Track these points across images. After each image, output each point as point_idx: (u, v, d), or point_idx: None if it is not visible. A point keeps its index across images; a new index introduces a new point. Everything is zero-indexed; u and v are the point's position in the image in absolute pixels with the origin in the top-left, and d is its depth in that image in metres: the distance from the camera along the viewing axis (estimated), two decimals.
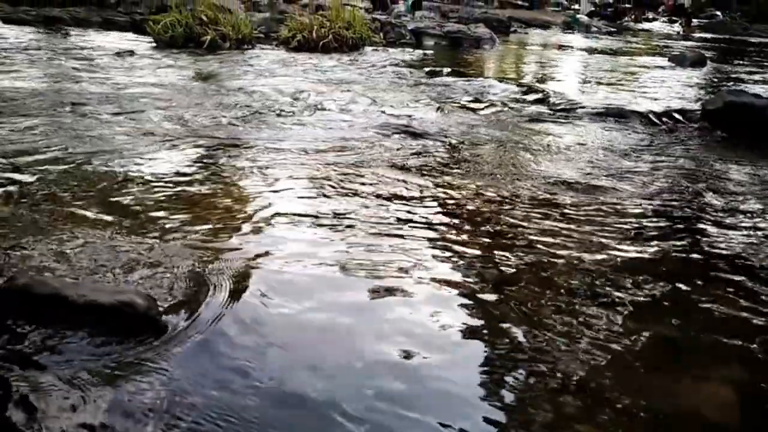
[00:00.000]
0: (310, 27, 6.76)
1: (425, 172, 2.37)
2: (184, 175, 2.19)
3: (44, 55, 4.92)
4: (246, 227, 1.72)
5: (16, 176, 2.02)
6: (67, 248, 1.47)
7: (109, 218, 1.71)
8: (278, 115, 3.28)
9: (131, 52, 5.43)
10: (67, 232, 1.58)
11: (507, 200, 2.07)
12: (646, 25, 16.92)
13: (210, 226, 1.71)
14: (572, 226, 1.82)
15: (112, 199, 1.89)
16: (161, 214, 1.79)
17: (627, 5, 19.48)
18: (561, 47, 9.32)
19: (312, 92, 3.97)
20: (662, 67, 6.62)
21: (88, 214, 1.74)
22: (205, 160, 2.39)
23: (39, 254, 1.44)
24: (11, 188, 1.91)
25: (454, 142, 2.87)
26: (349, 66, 5.54)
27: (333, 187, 2.12)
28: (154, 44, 6.12)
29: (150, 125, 2.91)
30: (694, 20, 16.97)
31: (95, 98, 3.43)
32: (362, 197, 2.02)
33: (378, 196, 2.04)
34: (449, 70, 5.39)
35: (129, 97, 3.52)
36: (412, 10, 12.18)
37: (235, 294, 1.30)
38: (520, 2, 22.62)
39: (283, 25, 7.25)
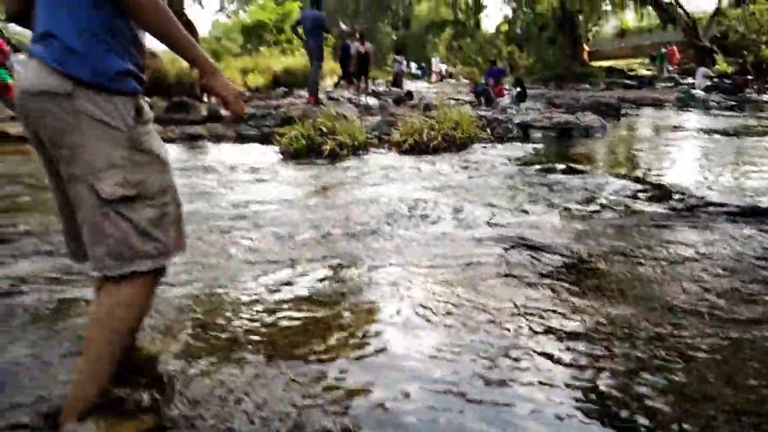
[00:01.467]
0: (420, 130, 7.11)
1: (544, 292, 2.34)
2: (303, 298, 2.33)
3: (182, 171, 5.60)
4: (369, 352, 1.79)
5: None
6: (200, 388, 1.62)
7: (229, 344, 1.86)
8: (392, 227, 3.43)
9: (259, 166, 6.02)
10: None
11: (639, 331, 1.98)
12: None
13: (332, 354, 1.79)
14: (726, 374, 1.70)
15: (233, 324, 2.06)
16: (282, 339, 1.91)
17: (748, 76, 18.43)
18: (678, 129, 8.96)
19: (424, 200, 4.12)
20: None
21: (215, 341, 1.91)
22: (323, 281, 2.53)
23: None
24: None
25: (573, 254, 2.82)
26: (459, 167, 5.71)
27: (449, 309, 2.16)
28: (280, 156, 6.74)
29: (268, 243, 3.15)
30: None
31: (222, 215, 3.80)
32: (479, 320, 2.04)
33: (494, 321, 2.04)
34: (562, 166, 5.38)
35: (252, 214, 3.85)
36: (517, 101, 12.41)
37: None
38: (627, 81, 22.26)
39: (395, 129, 7.71)
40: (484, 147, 7.22)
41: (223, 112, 1.48)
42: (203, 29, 37.56)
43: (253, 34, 29.19)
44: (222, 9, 55.73)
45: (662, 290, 2.35)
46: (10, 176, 5.42)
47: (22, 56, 13.55)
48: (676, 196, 4.06)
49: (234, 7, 55.96)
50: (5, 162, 6.53)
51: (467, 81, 26.92)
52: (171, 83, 14.27)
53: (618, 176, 4.82)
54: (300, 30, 9.60)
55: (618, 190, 4.28)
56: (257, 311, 2.22)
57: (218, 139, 8.46)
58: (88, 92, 1.26)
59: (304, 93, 13.62)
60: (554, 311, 2.15)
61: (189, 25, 15.80)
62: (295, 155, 6.60)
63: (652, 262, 2.69)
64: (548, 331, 1.99)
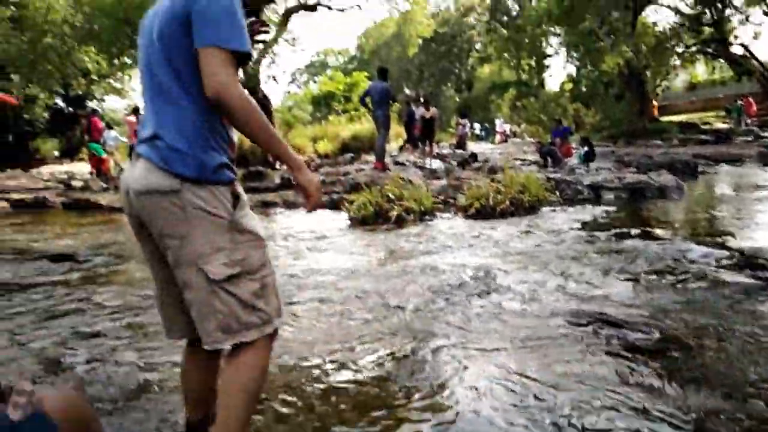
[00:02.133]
0: (486, 194, 7.12)
1: (623, 373, 2.23)
2: (363, 376, 2.33)
3: None
4: None
5: None
6: None
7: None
8: (459, 299, 3.39)
9: (328, 233, 6.19)
10: None
11: (734, 424, 1.84)
12: None
13: None
14: None
15: (291, 401, 2.08)
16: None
17: None
18: (761, 188, 8.47)
19: (491, 268, 4.06)
20: None
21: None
22: (385, 359, 2.52)
23: None
24: None
25: (653, 331, 2.67)
26: (528, 233, 5.64)
27: (521, 391, 2.09)
28: (349, 222, 6.91)
29: (333, 317, 3.19)
30: None
31: (288, 285, 3.90)
32: (556, 403, 1.95)
33: (573, 408, 1.95)
34: (637, 231, 5.19)
35: (318, 284, 3.93)
36: (585, 161, 12.21)
37: None
38: (702, 136, 21.47)
39: (460, 193, 7.76)
40: (553, 210, 7.11)
41: (303, 199, 1.57)
42: (276, 100, 39.90)
43: (323, 104, 30.69)
44: (293, 81, 59.30)
45: (754, 373, 2.18)
46: (96, 246, 5.84)
47: (113, 133, 14.90)
48: (765, 264, 3.81)
49: (304, 79, 59.40)
50: (92, 232, 7.07)
51: (532, 140, 26.85)
52: (246, 152, 15.15)
53: (699, 242, 4.58)
54: (368, 101, 10.01)
55: (700, 258, 4.07)
56: (318, 388, 2.24)
57: (290, 206, 8.82)
58: (193, 187, 1.40)
59: (371, 158, 14.04)
60: (635, 395, 2.04)
61: (264, 100, 16.88)
62: (363, 221, 6.75)
63: (741, 341, 2.51)
64: (628, 415, 1.88)
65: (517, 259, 4.45)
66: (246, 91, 1.40)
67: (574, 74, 32.80)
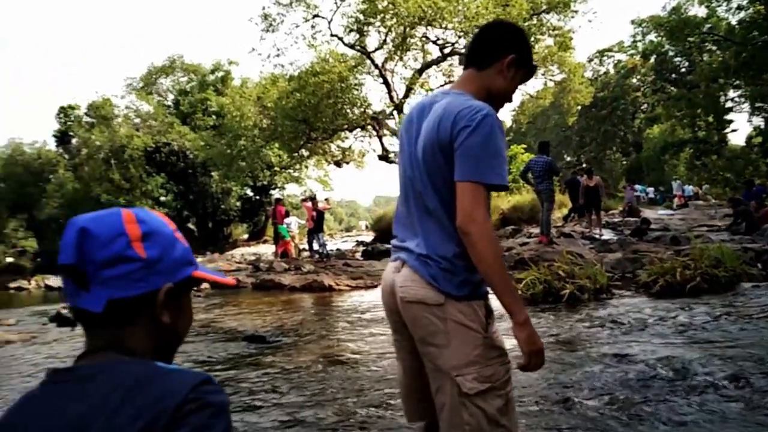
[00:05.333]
0: (671, 268, 6.47)
1: None
2: None
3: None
4: None
5: None
6: None
7: None
8: (654, 402, 3.04)
9: (495, 314, 6.05)
10: None
11: None
12: None
13: None
14: None
15: None
16: None
17: None
18: None
19: (688, 361, 3.61)
20: None
21: None
22: None
23: None
24: None
25: None
26: (726, 315, 4.96)
27: None
28: None
29: (524, 419, 3.03)
30: None
31: None
32: None
33: None
34: None
35: None
36: None
37: None
38: None
39: (641, 270, 7.15)
40: (756, 287, 6.19)
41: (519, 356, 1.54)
42: None
43: None
44: None
45: None
46: (274, 327, 6.37)
47: (294, 218, 16.59)
48: None
49: None
50: (271, 312, 7.73)
51: (716, 202, 24.04)
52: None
53: None
54: (529, 176, 9.89)
55: None
56: None
57: None
58: (455, 302, 1.50)
59: (533, 229, 13.65)
60: None
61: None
62: (532, 301, 6.51)
63: None
64: None
65: (720, 348, 3.92)
66: (490, 227, 1.46)
67: (763, 126, 29.25)
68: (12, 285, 17.77)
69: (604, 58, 42.38)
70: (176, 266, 0.80)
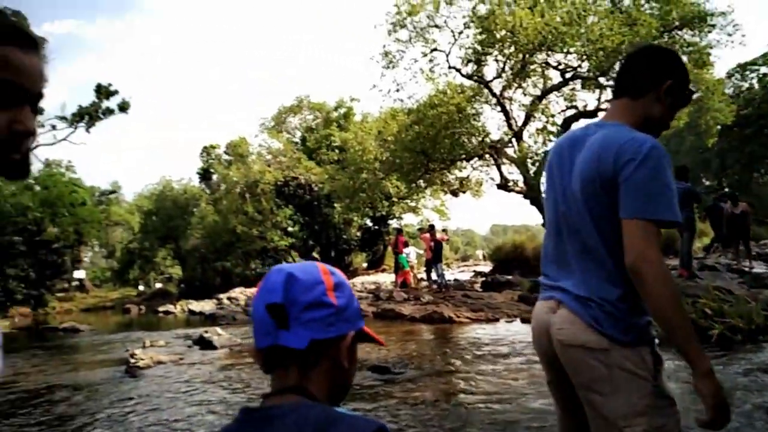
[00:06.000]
0: None
1: None
2: None
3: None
4: None
5: None
6: None
7: None
8: None
9: None
10: None
11: None
12: None
13: None
14: None
15: None
16: None
17: None
18: None
19: None
20: None
21: None
22: None
23: None
24: None
25: None
26: None
27: None
28: None
29: None
30: None
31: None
32: None
33: None
34: None
35: None
36: None
37: None
38: None
39: None
40: None
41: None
42: None
43: None
44: None
45: None
46: (397, 357, 6.38)
47: (413, 248, 16.80)
48: None
49: None
50: (393, 342, 7.77)
51: None
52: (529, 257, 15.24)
53: None
54: None
55: None
56: None
57: None
58: (620, 348, 1.40)
59: (671, 261, 12.55)
60: None
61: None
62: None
63: None
64: None
65: None
66: (666, 268, 1.33)
67: None
68: (161, 309, 19.77)
69: (747, 72, 38.50)
70: (357, 316, 0.87)
